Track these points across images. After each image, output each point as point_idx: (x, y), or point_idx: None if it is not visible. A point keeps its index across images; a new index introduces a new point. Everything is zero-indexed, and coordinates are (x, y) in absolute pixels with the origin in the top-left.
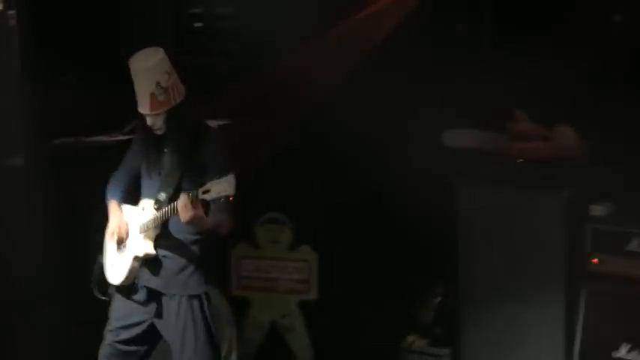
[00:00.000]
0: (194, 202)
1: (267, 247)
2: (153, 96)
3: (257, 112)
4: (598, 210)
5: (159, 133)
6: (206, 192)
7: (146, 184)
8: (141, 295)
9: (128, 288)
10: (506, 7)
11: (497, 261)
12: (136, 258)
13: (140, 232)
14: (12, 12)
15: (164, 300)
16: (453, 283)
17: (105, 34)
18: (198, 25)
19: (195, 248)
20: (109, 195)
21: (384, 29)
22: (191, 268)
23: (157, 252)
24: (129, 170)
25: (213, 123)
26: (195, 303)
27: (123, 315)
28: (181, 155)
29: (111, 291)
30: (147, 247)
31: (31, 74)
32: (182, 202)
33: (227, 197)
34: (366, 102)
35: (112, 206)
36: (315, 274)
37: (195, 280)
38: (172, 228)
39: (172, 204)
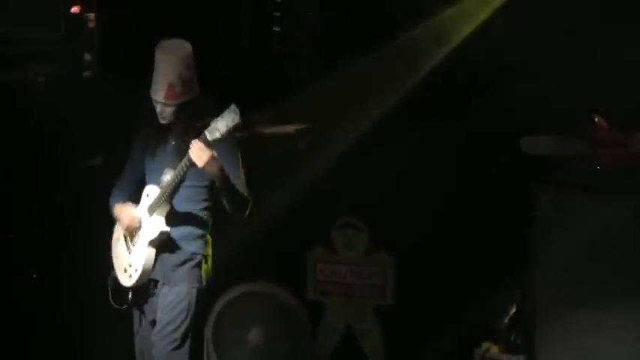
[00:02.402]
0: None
1: (344, 251)
2: (170, 86)
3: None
4: None
5: (163, 122)
6: (214, 131)
7: (148, 172)
8: (149, 291)
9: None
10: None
11: (574, 268)
12: (151, 242)
13: (150, 215)
14: (91, 14)
15: (164, 289)
16: (530, 290)
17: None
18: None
19: (203, 239)
20: (112, 203)
21: (465, 27)
22: (196, 260)
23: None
24: (133, 172)
25: (291, 127)
26: (195, 292)
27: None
28: (184, 146)
29: (129, 298)
30: (159, 225)
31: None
32: (195, 146)
33: (236, 127)
34: (442, 104)
35: (117, 207)
36: (391, 280)
37: (197, 274)
38: (178, 205)
39: (183, 160)
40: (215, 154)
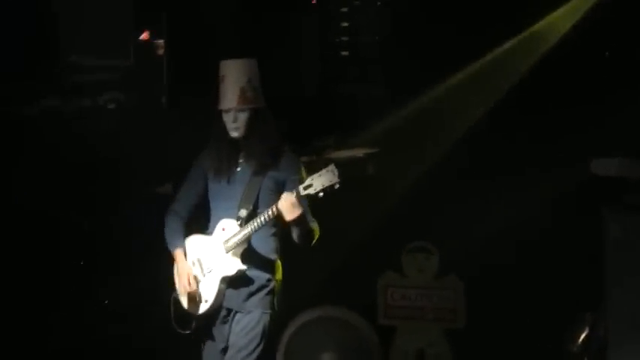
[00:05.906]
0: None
1: (414, 275)
2: (243, 90)
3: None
4: None
5: (236, 135)
6: (308, 187)
7: (217, 200)
8: (220, 318)
9: (210, 316)
10: None
11: None
12: (224, 279)
13: (227, 252)
14: (160, 41)
15: (238, 315)
16: (602, 314)
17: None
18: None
19: (274, 265)
20: (172, 240)
21: (532, 56)
22: (270, 286)
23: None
24: (191, 196)
25: (359, 151)
26: (267, 317)
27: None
28: (257, 164)
29: (194, 323)
30: (237, 264)
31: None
32: (287, 201)
33: (332, 187)
34: (510, 129)
35: (179, 255)
36: (461, 303)
37: (270, 300)
38: (256, 245)
39: (271, 209)
40: (304, 212)
